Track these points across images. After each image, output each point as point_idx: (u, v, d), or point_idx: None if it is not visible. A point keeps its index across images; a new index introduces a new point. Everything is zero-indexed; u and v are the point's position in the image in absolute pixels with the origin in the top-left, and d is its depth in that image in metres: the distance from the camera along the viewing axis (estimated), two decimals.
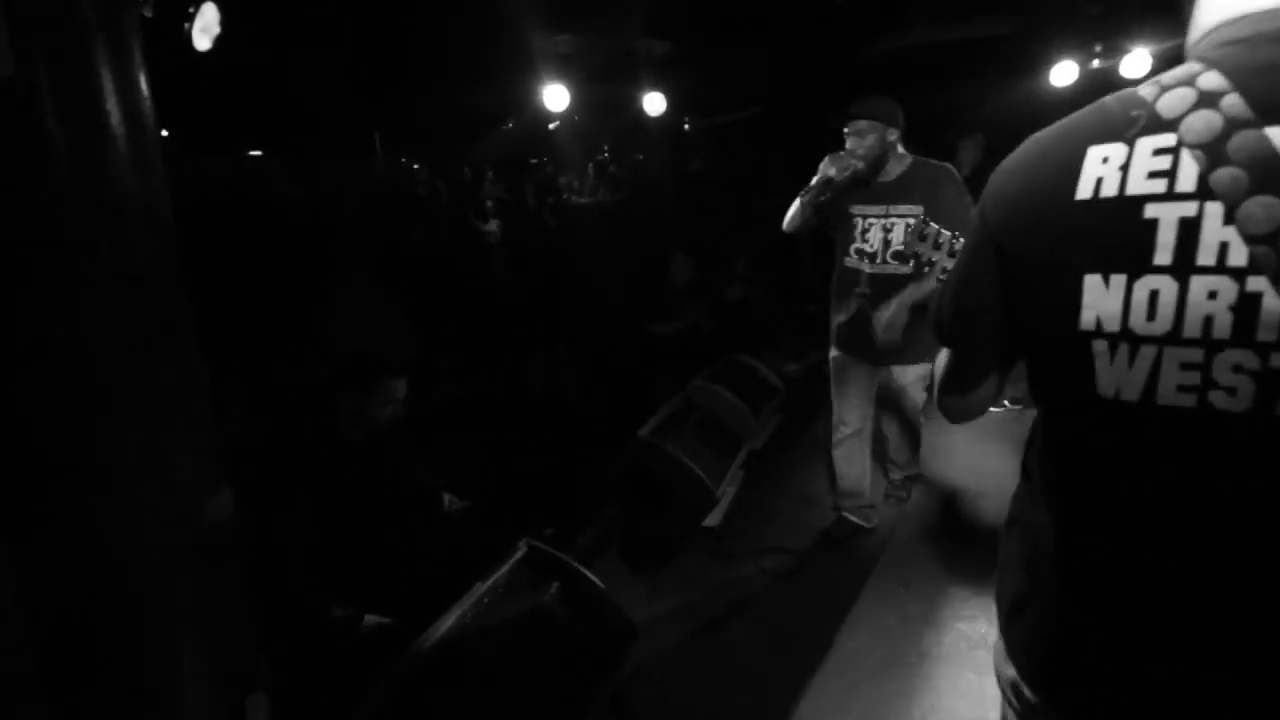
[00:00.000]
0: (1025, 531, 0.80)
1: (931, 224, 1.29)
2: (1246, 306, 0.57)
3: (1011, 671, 0.81)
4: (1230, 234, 0.57)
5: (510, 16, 3.89)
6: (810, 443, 3.51)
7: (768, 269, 5.15)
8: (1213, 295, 0.58)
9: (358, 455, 1.96)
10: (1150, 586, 0.68)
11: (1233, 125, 0.57)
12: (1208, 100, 0.59)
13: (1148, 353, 0.61)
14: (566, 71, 4.81)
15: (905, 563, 2.61)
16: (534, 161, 9.28)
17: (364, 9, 3.91)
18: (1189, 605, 0.66)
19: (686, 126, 7.49)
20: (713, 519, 2.90)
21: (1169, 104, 0.61)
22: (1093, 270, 0.63)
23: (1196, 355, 0.59)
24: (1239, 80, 0.59)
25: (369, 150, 7.70)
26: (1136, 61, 4.00)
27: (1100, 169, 0.63)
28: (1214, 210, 0.57)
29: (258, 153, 8.11)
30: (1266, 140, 0.56)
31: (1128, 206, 0.61)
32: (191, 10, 2.03)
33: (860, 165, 2.29)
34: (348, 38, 4.26)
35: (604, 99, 5.62)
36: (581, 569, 1.79)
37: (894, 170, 2.36)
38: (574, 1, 3.93)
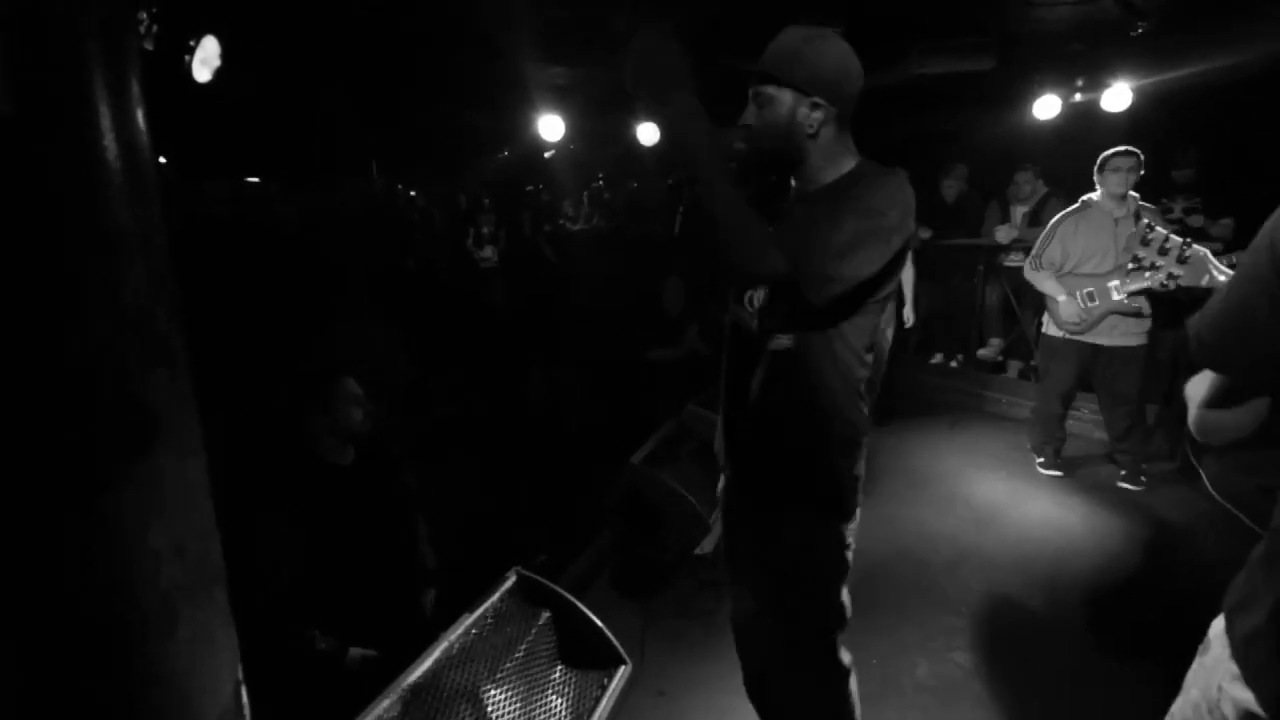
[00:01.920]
0: None
1: (1157, 227, 1.13)
2: None
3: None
4: None
5: (507, 49, 3.98)
6: None
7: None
8: None
9: (345, 479, 1.94)
10: None
11: None
12: None
13: None
14: (562, 102, 4.91)
15: (899, 592, 2.59)
16: (529, 189, 9.41)
17: (362, 40, 3.99)
18: None
19: None
20: (706, 546, 2.88)
21: None
22: None
23: None
24: None
25: (366, 177, 7.79)
26: (1117, 96, 4.12)
27: None
28: None
29: (255, 179, 8.21)
30: None
31: None
32: (192, 44, 2.07)
33: (740, 148, 1.31)
34: (346, 68, 4.34)
35: (599, 128, 5.72)
36: (572, 599, 1.76)
37: (822, 174, 1.31)
38: (570, 36, 4.02)
